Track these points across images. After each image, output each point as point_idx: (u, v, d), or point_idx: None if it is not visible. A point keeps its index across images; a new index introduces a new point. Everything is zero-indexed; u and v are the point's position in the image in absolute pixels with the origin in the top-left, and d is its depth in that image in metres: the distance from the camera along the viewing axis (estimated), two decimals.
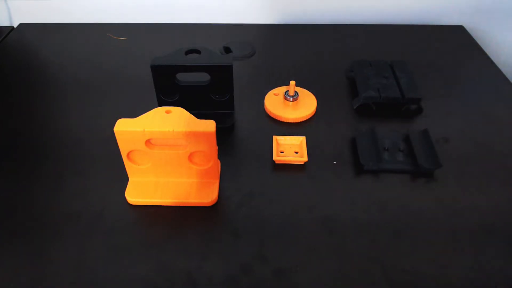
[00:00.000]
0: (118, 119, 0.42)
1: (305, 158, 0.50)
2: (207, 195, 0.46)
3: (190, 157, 0.45)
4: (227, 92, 0.56)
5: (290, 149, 0.52)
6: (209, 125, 0.42)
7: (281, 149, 0.52)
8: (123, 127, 0.42)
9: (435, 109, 0.60)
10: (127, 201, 0.46)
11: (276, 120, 0.58)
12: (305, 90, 0.62)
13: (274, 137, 0.53)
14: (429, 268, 0.40)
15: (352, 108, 0.60)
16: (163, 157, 0.45)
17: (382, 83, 0.61)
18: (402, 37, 0.78)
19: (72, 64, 0.70)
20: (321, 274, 0.40)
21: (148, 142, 0.43)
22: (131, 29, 0.79)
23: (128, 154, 0.45)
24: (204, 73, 0.53)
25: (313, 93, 0.61)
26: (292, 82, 0.58)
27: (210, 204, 0.46)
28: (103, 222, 0.44)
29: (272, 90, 0.62)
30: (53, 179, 0.49)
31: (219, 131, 0.44)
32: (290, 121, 0.57)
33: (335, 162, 0.51)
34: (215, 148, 0.44)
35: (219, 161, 0.49)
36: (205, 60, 0.52)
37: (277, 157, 0.51)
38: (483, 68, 0.70)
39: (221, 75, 0.53)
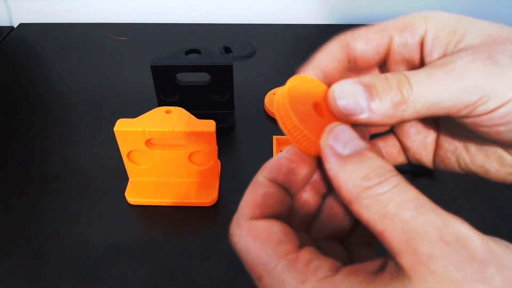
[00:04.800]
0: (118, 119, 0.42)
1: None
2: (207, 195, 0.46)
3: (190, 157, 0.45)
4: (227, 92, 0.56)
5: None
6: (209, 125, 0.42)
7: (281, 149, 0.52)
8: (123, 127, 0.42)
9: None
10: (127, 201, 0.46)
11: (276, 120, 0.58)
12: None
13: (274, 137, 0.53)
14: None
15: None
16: (163, 157, 0.45)
17: None
18: None
19: (72, 64, 0.70)
20: None
21: (148, 142, 0.43)
22: (131, 29, 0.79)
23: (128, 154, 0.45)
24: (204, 73, 0.53)
25: None
26: None
27: (210, 204, 0.46)
28: (103, 222, 0.44)
29: (272, 90, 0.62)
30: (53, 179, 0.49)
31: (219, 131, 0.44)
32: None
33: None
34: (215, 148, 0.44)
35: (219, 161, 0.49)
36: (205, 60, 0.52)
37: None
38: None
39: (221, 75, 0.53)
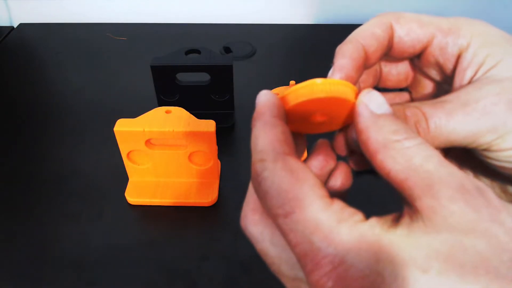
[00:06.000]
0: (118, 119, 0.42)
1: (305, 157, 0.50)
2: (207, 195, 0.46)
3: (190, 157, 0.45)
4: (227, 92, 0.56)
5: None
6: (209, 125, 0.42)
7: None
8: (123, 127, 0.42)
9: None
10: (127, 201, 0.46)
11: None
12: None
13: None
14: None
15: None
16: (163, 157, 0.45)
17: None
18: None
19: (72, 64, 0.70)
20: None
21: (148, 142, 0.43)
22: (131, 29, 0.79)
23: (128, 154, 0.45)
24: (204, 73, 0.53)
25: None
26: (292, 82, 0.58)
27: (210, 204, 0.46)
28: (103, 222, 0.44)
29: (272, 90, 0.62)
30: (53, 179, 0.49)
31: (219, 131, 0.44)
32: None
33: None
34: (215, 148, 0.44)
35: (219, 161, 0.49)
36: (205, 60, 0.52)
37: None
38: None
39: (221, 75, 0.53)
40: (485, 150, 0.19)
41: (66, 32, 0.79)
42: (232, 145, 0.54)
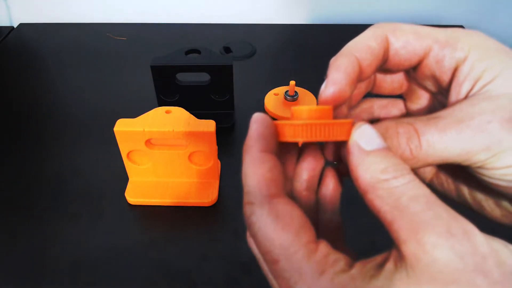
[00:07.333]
0: (118, 119, 0.42)
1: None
2: (207, 195, 0.46)
3: (190, 157, 0.45)
4: (227, 92, 0.56)
5: None
6: (209, 125, 0.42)
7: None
8: (123, 127, 0.42)
9: None
10: (127, 201, 0.46)
11: (276, 120, 0.58)
12: (305, 90, 0.62)
13: None
14: None
15: None
16: (163, 157, 0.45)
17: None
18: None
19: (72, 64, 0.70)
20: None
21: (148, 142, 0.43)
22: (131, 29, 0.79)
23: (128, 154, 0.45)
24: (204, 73, 0.53)
25: (313, 93, 0.61)
26: (292, 82, 0.58)
27: (210, 204, 0.46)
28: (103, 222, 0.44)
29: (272, 90, 0.62)
30: (53, 179, 0.49)
31: (219, 131, 0.44)
32: None
33: (335, 162, 0.51)
34: (215, 148, 0.44)
35: (219, 161, 0.49)
36: (205, 60, 0.52)
37: None
38: None
39: (221, 75, 0.53)
40: (479, 167, 0.18)
41: (66, 32, 0.79)
42: (232, 145, 0.54)
